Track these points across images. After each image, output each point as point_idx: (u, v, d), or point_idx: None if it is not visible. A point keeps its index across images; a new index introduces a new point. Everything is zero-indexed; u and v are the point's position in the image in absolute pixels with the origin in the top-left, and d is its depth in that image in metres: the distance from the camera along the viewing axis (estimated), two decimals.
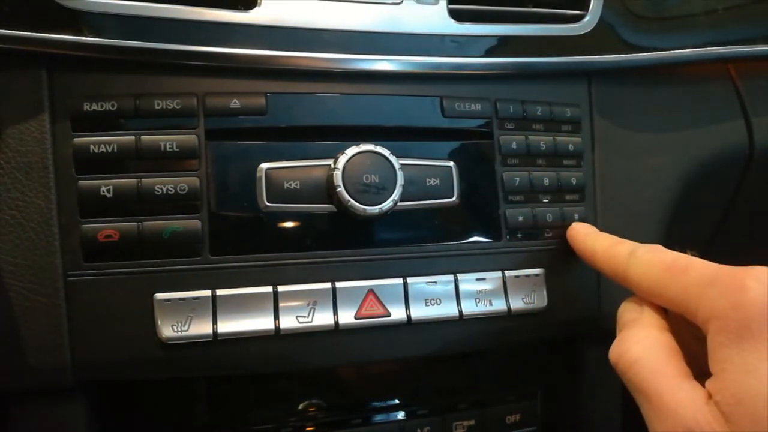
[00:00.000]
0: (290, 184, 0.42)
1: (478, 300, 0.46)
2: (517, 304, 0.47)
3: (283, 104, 0.43)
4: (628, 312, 0.40)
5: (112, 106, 0.40)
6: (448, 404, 0.55)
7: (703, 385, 0.32)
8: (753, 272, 0.33)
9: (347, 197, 0.41)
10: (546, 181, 0.49)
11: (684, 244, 0.44)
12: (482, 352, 0.59)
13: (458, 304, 0.45)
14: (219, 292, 0.41)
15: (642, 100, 0.55)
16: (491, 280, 0.46)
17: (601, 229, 0.49)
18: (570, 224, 0.49)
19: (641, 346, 0.36)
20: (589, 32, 0.51)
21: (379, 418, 0.54)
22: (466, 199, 0.47)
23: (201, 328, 0.40)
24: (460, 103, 0.47)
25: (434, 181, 0.46)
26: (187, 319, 0.40)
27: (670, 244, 0.51)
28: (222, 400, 0.52)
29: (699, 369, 0.34)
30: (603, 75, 0.52)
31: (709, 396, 0.32)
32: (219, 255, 0.41)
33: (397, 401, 0.56)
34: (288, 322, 0.41)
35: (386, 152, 0.43)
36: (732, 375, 0.31)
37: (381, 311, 0.43)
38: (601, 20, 0.51)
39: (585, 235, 0.47)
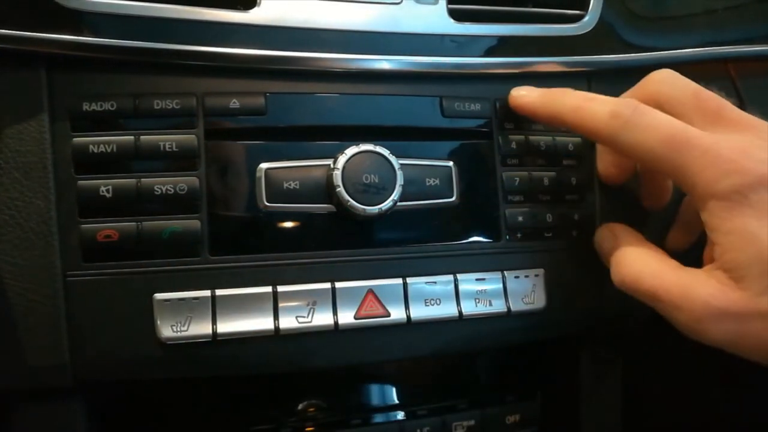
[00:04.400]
0: (290, 184, 0.42)
1: (477, 300, 0.46)
2: (517, 304, 0.47)
3: (282, 104, 0.43)
4: (606, 241, 0.45)
5: (112, 106, 0.40)
6: (447, 404, 0.55)
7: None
8: (752, 155, 0.36)
9: (347, 197, 0.41)
10: (546, 181, 0.49)
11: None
12: (482, 352, 0.59)
13: (458, 304, 0.45)
14: (218, 292, 0.41)
15: None
16: (491, 280, 0.46)
17: None
18: (570, 224, 0.49)
19: (634, 264, 0.41)
20: (589, 32, 0.51)
21: (378, 418, 0.54)
22: (465, 199, 0.47)
23: (200, 328, 0.40)
24: (460, 103, 0.47)
25: (434, 181, 0.45)
26: (187, 319, 0.40)
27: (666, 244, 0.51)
28: (221, 400, 0.52)
29: None
30: (603, 75, 0.52)
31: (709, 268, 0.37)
32: (218, 255, 0.41)
33: (396, 401, 0.56)
34: (287, 322, 0.41)
35: (386, 152, 0.43)
36: (737, 242, 0.35)
37: (381, 311, 0.43)
38: (601, 20, 0.51)
39: (541, 95, 0.46)
